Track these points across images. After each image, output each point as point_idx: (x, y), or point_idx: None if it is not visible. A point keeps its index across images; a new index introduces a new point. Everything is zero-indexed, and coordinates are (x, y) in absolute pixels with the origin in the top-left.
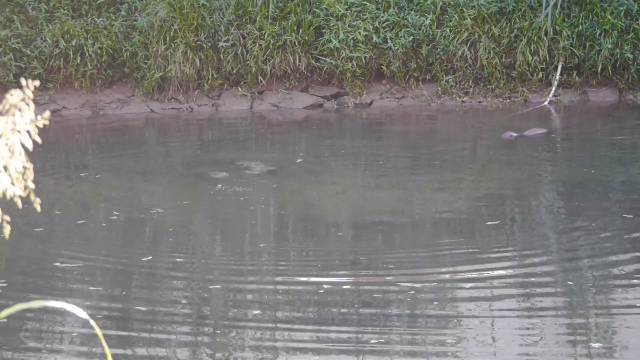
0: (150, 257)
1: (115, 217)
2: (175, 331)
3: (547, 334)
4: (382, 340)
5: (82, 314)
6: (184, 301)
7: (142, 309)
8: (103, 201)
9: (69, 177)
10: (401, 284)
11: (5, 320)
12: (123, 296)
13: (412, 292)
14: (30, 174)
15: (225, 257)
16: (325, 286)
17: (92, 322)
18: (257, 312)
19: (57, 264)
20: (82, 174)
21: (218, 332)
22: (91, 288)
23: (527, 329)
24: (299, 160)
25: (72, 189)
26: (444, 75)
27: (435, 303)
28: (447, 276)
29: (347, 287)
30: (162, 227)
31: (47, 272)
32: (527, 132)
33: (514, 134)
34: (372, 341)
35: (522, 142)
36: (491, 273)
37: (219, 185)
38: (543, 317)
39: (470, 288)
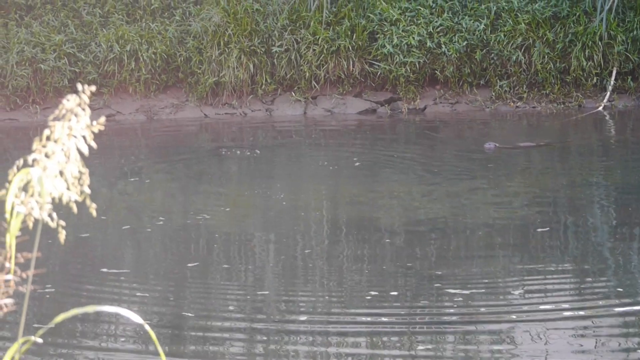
0: (197, 263)
1: (161, 223)
2: (226, 337)
3: (601, 348)
4: (434, 349)
5: (136, 318)
6: (231, 307)
7: (190, 314)
8: (150, 207)
9: (119, 182)
10: (451, 291)
11: (53, 325)
12: (169, 303)
13: (463, 300)
14: (86, 179)
15: (274, 263)
16: (373, 293)
17: (147, 327)
18: (307, 317)
19: (104, 269)
20: (132, 179)
21: (270, 338)
22: (138, 294)
23: (581, 336)
24: (357, 164)
25: (121, 194)
26: (498, 81)
27: (487, 313)
28: (500, 285)
29: (395, 293)
30: (208, 234)
31: (93, 278)
32: (522, 143)
33: (496, 145)
34: (422, 348)
35: (579, 147)
36: (545, 282)
37: (269, 190)
38: (598, 326)
39: (524, 298)
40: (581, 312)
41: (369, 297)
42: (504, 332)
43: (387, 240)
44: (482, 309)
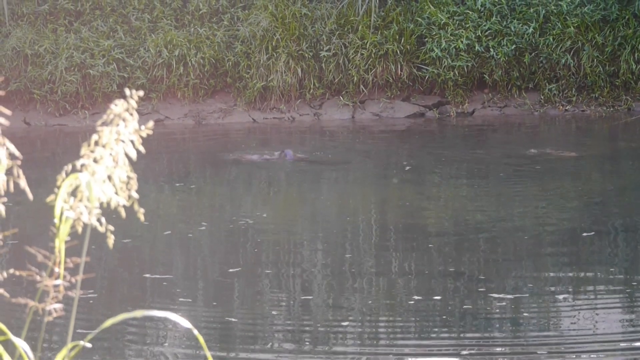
0: (238, 269)
1: (203, 228)
2: (272, 344)
3: None
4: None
5: (185, 323)
6: (275, 312)
7: (234, 320)
8: (193, 212)
9: (164, 187)
10: (497, 295)
11: (94, 334)
12: (212, 308)
13: (510, 305)
14: (134, 184)
15: (319, 267)
16: (417, 297)
17: (195, 331)
18: (352, 321)
19: (147, 274)
20: (177, 184)
21: (316, 343)
22: (181, 299)
23: (631, 340)
24: (407, 168)
25: (165, 199)
26: (547, 84)
27: (536, 318)
28: (550, 289)
29: (438, 298)
30: (252, 239)
31: (136, 283)
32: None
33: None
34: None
35: (624, 151)
36: (594, 288)
37: (316, 194)
38: None
39: (572, 303)
40: (631, 319)
41: (412, 302)
42: (552, 340)
43: (431, 245)
44: (526, 315)
